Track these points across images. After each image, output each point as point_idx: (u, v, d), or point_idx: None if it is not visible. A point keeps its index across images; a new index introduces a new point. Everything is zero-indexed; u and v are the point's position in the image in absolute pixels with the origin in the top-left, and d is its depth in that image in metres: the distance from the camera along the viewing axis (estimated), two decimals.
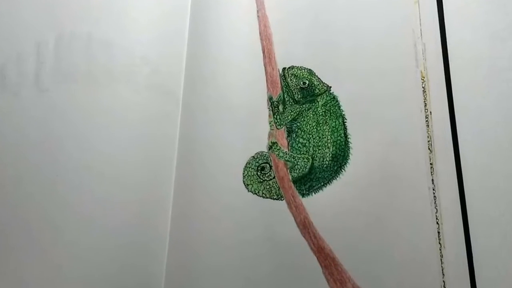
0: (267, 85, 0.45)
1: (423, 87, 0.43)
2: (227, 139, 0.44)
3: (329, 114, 0.44)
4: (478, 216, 0.39)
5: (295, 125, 0.44)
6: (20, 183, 0.39)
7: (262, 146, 0.44)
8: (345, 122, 0.44)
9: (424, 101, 0.42)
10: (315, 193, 0.42)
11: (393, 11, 0.44)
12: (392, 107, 0.43)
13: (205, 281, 0.41)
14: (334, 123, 0.44)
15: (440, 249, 0.39)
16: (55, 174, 0.40)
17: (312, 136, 0.44)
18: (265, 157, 0.44)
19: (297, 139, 0.44)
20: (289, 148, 0.44)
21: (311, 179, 0.43)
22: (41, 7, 0.43)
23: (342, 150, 0.43)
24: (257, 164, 0.44)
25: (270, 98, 0.45)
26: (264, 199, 0.43)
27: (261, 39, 0.46)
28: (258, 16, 0.46)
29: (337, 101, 0.44)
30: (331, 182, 0.42)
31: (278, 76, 0.45)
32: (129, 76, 0.44)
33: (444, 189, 0.40)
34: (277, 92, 0.45)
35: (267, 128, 0.44)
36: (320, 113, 0.44)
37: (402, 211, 0.40)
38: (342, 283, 0.39)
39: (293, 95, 0.45)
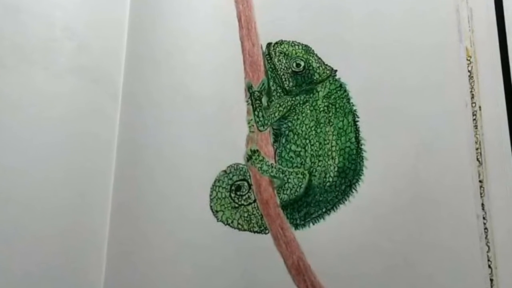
0: (244, 68, 0.45)
1: (469, 71, 0.42)
2: (188, 146, 0.44)
3: (333, 110, 0.43)
4: None
5: (285, 125, 0.44)
6: None
7: (237, 155, 0.44)
8: (357, 121, 0.43)
9: (471, 91, 0.42)
10: (313, 224, 0.42)
11: None
12: (425, 100, 0.42)
13: None
14: (341, 122, 0.43)
15: None
16: None
17: (310, 141, 0.43)
18: (242, 172, 0.43)
19: (288, 146, 0.43)
20: (277, 158, 0.44)
21: (308, 204, 0.42)
22: None
23: (353, 162, 0.42)
24: (230, 182, 0.43)
25: (249, 87, 0.44)
26: (241, 231, 0.42)
27: (236, 2, 0.46)
28: None
29: (345, 91, 0.44)
30: (336, 208, 0.42)
31: (261, 55, 0.45)
32: (46, 54, 0.43)
33: (499, 218, 0.40)
34: (260, 78, 0.45)
35: (244, 129, 0.44)
36: (321, 109, 0.44)
37: (439, 249, 0.40)
38: None
39: (283, 82, 0.45)
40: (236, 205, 0.43)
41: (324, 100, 0.44)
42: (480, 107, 0.41)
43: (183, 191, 0.43)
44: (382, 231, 0.40)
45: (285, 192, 0.43)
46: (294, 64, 0.44)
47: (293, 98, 0.44)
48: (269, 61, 0.45)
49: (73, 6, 0.45)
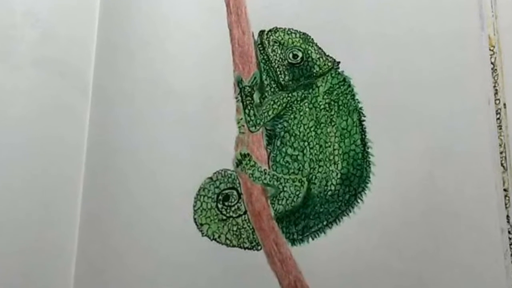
0: (233, 60, 0.44)
1: (492, 63, 0.42)
2: (168, 150, 0.43)
3: (336, 108, 0.43)
4: None
5: (280, 125, 0.43)
6: None
7: (225, 160, 0.43)
8: (363, 120, 0.43)
9: (494, 86, 0.42)
10: (313, 239, 0.41)
11: None
12: (442, 97, 0.42)
13: None
14: (344, 122, 0.43)
15: None
16: None
17: (309, 143, 0.42)
18: (230, 179, 0.43)
19: (284, 149, 0.43)
20: (271, 163, 0.43)
21: (307, 216, 0.42)
22: None
23: (358, 168, 0.42)
24: (217, 191, 0.42)
25: (239, 82, 0.44)
26: (230, 248, 0.41)
27: None
28: None
29: (349, 86, 0.43)
30: (339, 221, 0.41)
31: (252, 45, 0.44)
32: (4, 44, 0.43)
33: None
34: (251, 71, 0.44)
35: (233, 130, 0.43)
36: (322, 106, 0.43)
37: (458, 267, 0.39)
38: None
39: (277, 75, 0.44)
40: (224, 218, 0.42)
41: (325, 97, 0.43)
42: (505, 104, 0.41)
43: (162, 201, 0.42)
44: (392, 248, 0.40)
45: (280, 203, 0.42)
46: (291, 55, 0.44)
47: (290, 94, 0.43)
48: (262, 52, 0.44)
49: None
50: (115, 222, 0.42)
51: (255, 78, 0.44)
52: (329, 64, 0.43)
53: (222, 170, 0.42)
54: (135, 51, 0.44)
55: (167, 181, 0.42)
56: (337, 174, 0.42)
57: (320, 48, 0.44)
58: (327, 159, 0.42)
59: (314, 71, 0.43)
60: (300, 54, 0.44)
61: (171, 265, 0.41)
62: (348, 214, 0.41)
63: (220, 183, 0.42)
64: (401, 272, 0.39)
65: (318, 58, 0.44)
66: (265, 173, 0.43)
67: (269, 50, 0.44)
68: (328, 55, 0.44)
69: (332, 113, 0.43)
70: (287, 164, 0.43)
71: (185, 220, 0.42)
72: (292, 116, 0.43)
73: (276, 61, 0.44)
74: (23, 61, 0.43)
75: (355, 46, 0.44)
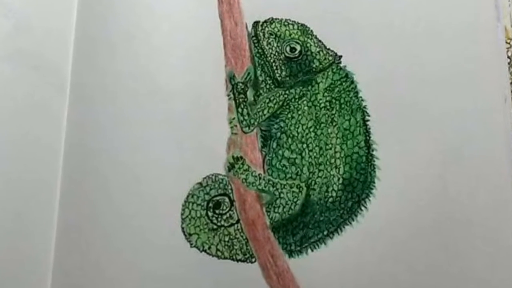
0: (225, 54, 0.43)
1: (509, 57, 0.43)
2: (153, 153, 0.42)
3: (337, 107, 0.43)
4: None
5: (276, 125, 0.43)
6: None
7: (216, 164, 0.42)
8: (367, 120, 0.42)
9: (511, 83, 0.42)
10: (312, 250, 0.41)
11: None
12: (454, 94, 0.42)
13: None
14: (346, 122, 0.42)
15: None
16: None
17: (308, 145, 0.42)
18: (221, 185, 0.42)
19: (281, 152, 0.42)
20: (266, 167, 0.42)
21: (306, 225, 0.41)
22: None
23: (362, 172, 0.42)
24: (207, 198, 0.42)
25: (231, 78, 0.43)
26: (221, 260, 0.41)
27: None
28: None
29: (352, 82, 0.43)
30: (341, 230, 0.41)
31: (246, 38, 0.44)
32: None
33: None
34: (244, 66, 0.43)
35: (225, 131, 0.43)
36: (322, 105, 0.43)
37: (472, 282, 0.39)
38: None
39: (273, 71, 0.43)
40: (215, 227, 0.41)
41: (326, 94, 0.43)
42: None
43: (147, 209, 0.41)
44: (400, 260, 0.40)
45: (276, 210, 0.42)
46: (288, 49, 0.43)
47: (287, 92, 0.43)
48: (256, 45, 0.43)
49: None
50: (95, 232, 0.41)
51: (248, 73, 0.43)
52: (330, 58, 0.43)
53: (212, 175, 0.42)
54: (117, 44, 0.44)
55: (152, 187, 0.42)
56: (338, 179, 0.41)
57: (320, 41, 0.43)
58: (327, 163, 0.42)
59: (314, 66, 0.43)
60: (298, 48, 0.43)
61: (157, 279, 0.40)
62: (351, 223, 0.41)
63: (211, 189, 0.42)
64: (409, 286, 0.39)
65: (318, 52, 0.43)
66: (260, 178, 0.42)
67: (264, 43, 0.43)
68: (328, 49, 0.43)
69: (333, 112, 0.42)
70: (284, 168, 0.42)
71: (172, 230, 0.41)
72: (289, 116, 0.43)
73: (272, 55, 0.43)
74: None
75: (359, 39, 0.43)
